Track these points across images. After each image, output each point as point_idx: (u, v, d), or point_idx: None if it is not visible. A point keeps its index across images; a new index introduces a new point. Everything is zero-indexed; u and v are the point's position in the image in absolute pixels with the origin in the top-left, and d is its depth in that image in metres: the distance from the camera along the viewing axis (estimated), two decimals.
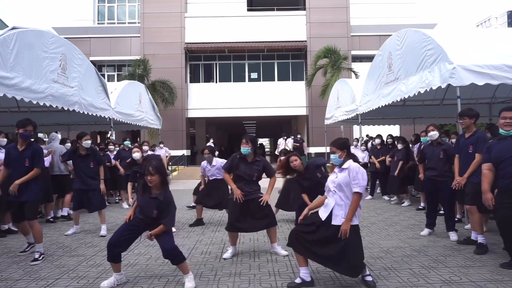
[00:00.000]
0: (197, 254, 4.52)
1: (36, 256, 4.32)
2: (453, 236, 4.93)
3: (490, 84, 5.65)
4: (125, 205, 8.51)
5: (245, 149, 4.22)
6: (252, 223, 4.34)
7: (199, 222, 6.23)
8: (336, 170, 3.42)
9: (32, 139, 4.63)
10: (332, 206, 3.31)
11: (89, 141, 5.73)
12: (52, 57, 6.54)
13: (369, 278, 3.40)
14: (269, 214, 4.40)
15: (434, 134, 5.23)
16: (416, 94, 6.81)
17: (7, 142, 5.93)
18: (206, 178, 6.52)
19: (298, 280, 3.41)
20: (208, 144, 6.53)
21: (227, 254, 4.38)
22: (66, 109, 7.16)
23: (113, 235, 3.51)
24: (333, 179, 3.38)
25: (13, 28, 5.58)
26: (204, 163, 6.49)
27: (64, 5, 23.49)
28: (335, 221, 3.27)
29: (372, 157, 9.24)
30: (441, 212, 5.65)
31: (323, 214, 3.37)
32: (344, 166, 3.34)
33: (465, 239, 4.72)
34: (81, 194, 5.70)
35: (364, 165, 9.86)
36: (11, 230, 5.89)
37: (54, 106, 6.73)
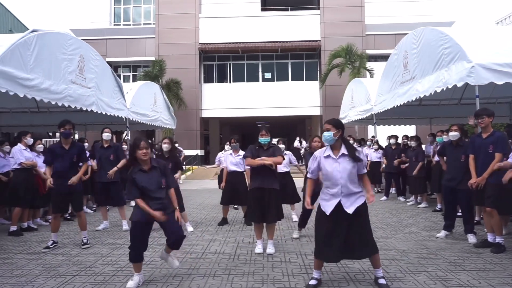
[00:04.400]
0: (211, 254, 4.55)
1: (85, 241, 5.01)
2: (471, 238, 4.82)
3: (510, 83, 5.50)
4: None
5: (265, 139, 4.58)
6: (266, 215, 4.49)
7: (224, 221, 6.33)
8: (329, 157, 3.31)
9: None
10: (338, 199, 3.26)
11: (109, 134, 6.28)
12: (70, 58, 6.68)
13: (383, 281, 3.34)
14: (279, 210, 4.59)
15: (455, 134, 5.10)
16: (432, 94, 6.68)
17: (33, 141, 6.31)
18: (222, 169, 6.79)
19: (313, 282, 3.40)
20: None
21: (258, 249, 4.53)
22: (84, 109, 7.29)
23: (132, 240, 3.50)
24: (337, 168, 3.26)
25: (33, 31, 5.72)
26: (220, 154, 6.96)
27: (81, 7, 24.00)
28: (349, 209, 3.24)
29: (383, 158, 9.17)
30: (459, 214, 5.53)
31: (327, 207, 3.29)
32: (343, 151, 3.31)
33: (482, 242, 4.62)
34: (104, 189, 6.08)
35: (377, 164, 9.76)
36: (30, 227, 6.07)
37: (73, 107, 6.87)
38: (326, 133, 3.33)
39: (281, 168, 6.15)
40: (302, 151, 20.25)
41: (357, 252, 3.31)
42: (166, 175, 3.61)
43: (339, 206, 3.26)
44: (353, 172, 3.29)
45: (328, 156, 3.33)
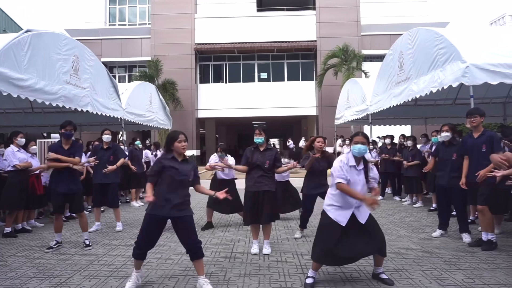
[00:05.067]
0: (207, 254, 4.53)
1: (87, 242, 4.99)
2: (466, 238, 4.86)
3: (504, 83, 5.54)
4: (135, 204, 8.66)
5: (259, 138, 4.56)
6: (263, 216, 4.47)
7: (209, 225, 6.09)
8: (354, 168, 3.36)
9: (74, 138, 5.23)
10: (351, 210, 3.34)
11: (109, 136, 6.27)
12: (65, 58, 6.63)
13: (384, 276, 3.46)
14: (274, 212, 4.59)
15: (446, 135, 5.17)
16: (428, 94, 6.72)
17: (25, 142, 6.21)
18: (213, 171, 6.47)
19: (310, 280, 3.44)
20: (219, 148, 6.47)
21: (254, 250, 4.53)
22: (80, 110, 7.24)
23: (140, 235, 3.39)
24: (359, 180, 3.34)
25: (28, 31, 5.68)
26: (213, 157, 6.50)
27: (76, 7, 23.86)
28: (363, 220, 3.34)
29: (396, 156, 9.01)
30: (454, 213, 5.57)
31: (341, 219, 3.33)
32: (362, 166, 3.40)
33: (476, 241, 4.65)
34: (101, 190, 6.05)
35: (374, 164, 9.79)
36: (25, 229, 6.02)
37: (68, 107, 6.82)
38: (362, 147, 3.34)
39: (283, 177, 6.17)
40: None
41: (370, 250, 3.36)
42: (195, 169, 3.54)
43: (352, 216, 3.34)
44: (365, 185, 3.42)
45: (353, 167, 3.36)
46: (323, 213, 3.47)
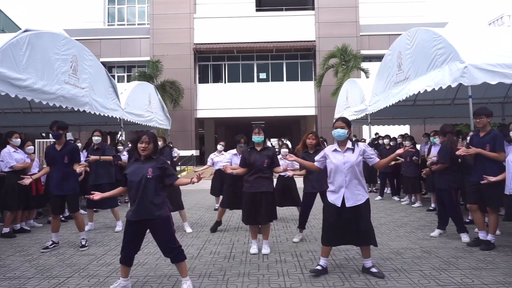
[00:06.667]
0: (206, 254, 4.54)
1: (83, 242, 4.94)
2: (464, 237, 4.86)
3: (503, 83, 5.56)
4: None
5: (258, 137, 4.52)
6: (261, 216, 4.46)
7: (218, 224, 5.94)
8: (336, 151, 3.64)
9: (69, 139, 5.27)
10: (343, 191, 3.57)
11: (99, 138, 6.28)
12: (64, 58, 6.62)
13: (374, 270, 3.62)
14: (272, 212, 4.61)
15: (436, 141, 5.25)
16: (421, 92, 6.74)
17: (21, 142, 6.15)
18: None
19: (318, 267, 3.70)
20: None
21: (253, 250, 4.55)
22: (76, 109, 7.23)
23: (123, 240, 3.36)
24: (342, 160, 3.59)
25: (26, 31, 5.66)
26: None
27: (75, 7, 23.86)
28: (349, 203, 3.54)
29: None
30: None
31: (336, 200, 3.61)
32: (349, 146, 3.63)
33: (475, 240, 4.66)
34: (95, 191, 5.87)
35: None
36: (23, 229, 6.00)
37: (64, 107, 6.80)
38: (340, 130, 3.62)
39: (284, 172, 6.09)
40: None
41: (358, 240, 3.62)
42: (162, 165, 3.30)
43: (343, 200, 3.58)
44: (356, 165, 3.58)
45: (335, 150, 3.68)
46: (324, 199, 3.82)
